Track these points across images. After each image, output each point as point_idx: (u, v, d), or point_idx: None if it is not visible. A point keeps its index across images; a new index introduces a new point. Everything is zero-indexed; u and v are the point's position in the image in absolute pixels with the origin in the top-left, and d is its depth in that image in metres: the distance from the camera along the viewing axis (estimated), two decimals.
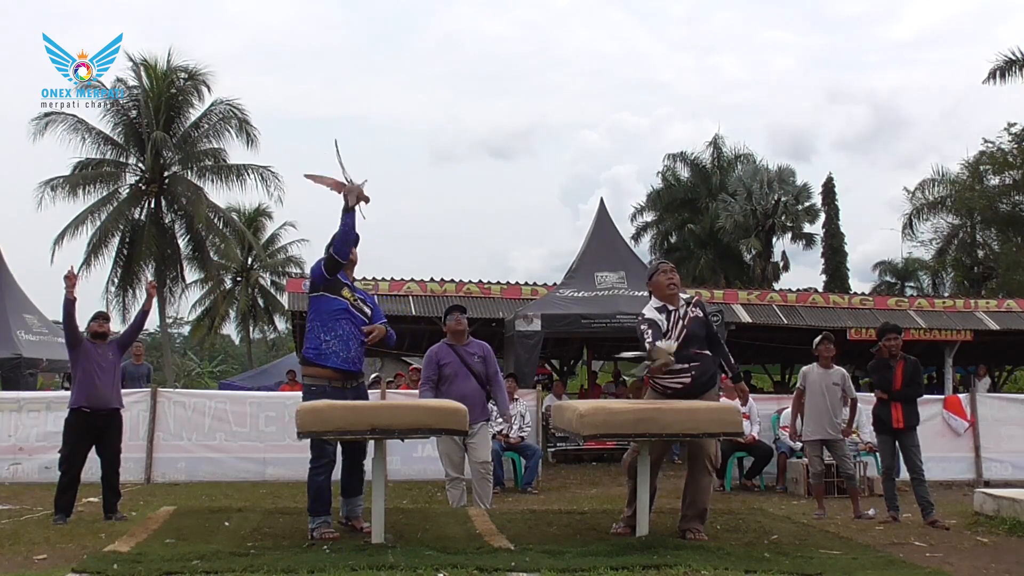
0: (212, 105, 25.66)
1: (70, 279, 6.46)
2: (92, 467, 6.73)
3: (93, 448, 6.69)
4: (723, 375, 5.61)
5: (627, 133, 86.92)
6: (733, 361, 5.50)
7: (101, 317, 6.93)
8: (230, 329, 39.93)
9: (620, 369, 19.18)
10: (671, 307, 5.22)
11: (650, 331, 5.02)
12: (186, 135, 25.71)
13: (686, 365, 5.13)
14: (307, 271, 27.13)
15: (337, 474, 5.23)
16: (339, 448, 5.21)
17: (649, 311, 5.22)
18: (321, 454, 5.04)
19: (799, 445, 9.16)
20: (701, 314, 5.27)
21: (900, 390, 6.75)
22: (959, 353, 16.37)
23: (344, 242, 5.08)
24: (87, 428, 6.58)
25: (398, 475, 9.23)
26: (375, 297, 5.53)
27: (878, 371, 6.95)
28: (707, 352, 5.26)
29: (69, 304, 6.48)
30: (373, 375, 12.94)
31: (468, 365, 6.64)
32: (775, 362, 21.03)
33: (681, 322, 5.19)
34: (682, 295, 5.31)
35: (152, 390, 9.91)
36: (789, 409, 9.61)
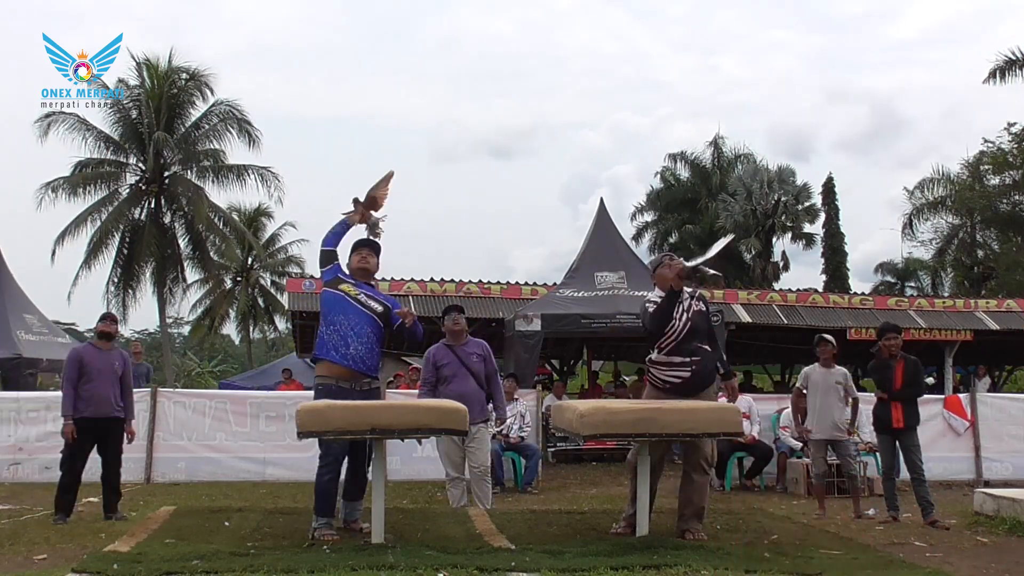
0: (212, 105, 25.69)
1: None
2: (92, 467, 6.73)
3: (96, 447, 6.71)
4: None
5: (628, 133, 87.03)
6: (725, 358, 5.52)
7: (109, 318, 6.89)
8: (230, 329, 40.00)
9: (620, 370, 19.19)
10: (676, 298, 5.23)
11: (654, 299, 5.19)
12: (186, 135, 25.70)
13: (687, 359, 5.16)
14: (307, 271, 27.00)
15: (341, 475, 5.24)
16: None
17: (653, 298, 5.27)
18: (328, 452, 5.05)
19: (799, 445, 9.16)
20: (704, 308, 5.30)
21: (900, 390, 6.76)
22: (959, 353, 16.36)
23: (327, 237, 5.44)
24: (87, 431, 6.59)
25: (398, 475, 9.22)
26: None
27: (878, 371, 6.96)
28: (707, 347, 5.27)
29: None
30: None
31: (466, 365, 6.62)
32: (775, 362, 21.02)
33: (686, 314, 5.19)
34: (686, 288, 5.30)
35: (152, 390, 9.88)
36: (789, 409, 9.64)
